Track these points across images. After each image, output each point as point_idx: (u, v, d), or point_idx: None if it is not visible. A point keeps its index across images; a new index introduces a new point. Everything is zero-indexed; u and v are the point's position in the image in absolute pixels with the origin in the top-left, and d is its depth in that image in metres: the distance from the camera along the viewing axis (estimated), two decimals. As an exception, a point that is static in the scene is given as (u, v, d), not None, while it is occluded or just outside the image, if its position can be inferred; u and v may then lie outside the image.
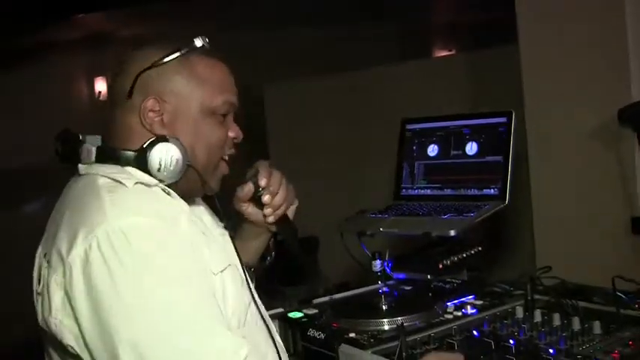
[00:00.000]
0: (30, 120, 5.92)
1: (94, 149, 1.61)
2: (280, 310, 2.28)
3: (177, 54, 1.63)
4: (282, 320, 2.21)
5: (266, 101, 5.99)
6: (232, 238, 1.78)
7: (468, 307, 2.19)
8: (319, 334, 2.07)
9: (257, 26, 6.19)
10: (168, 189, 1.60)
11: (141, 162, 1.59)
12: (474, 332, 1.97)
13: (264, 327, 1.73)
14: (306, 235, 4.80)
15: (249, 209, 1.90)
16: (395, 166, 2.84)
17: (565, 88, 3.19)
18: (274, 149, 5.71)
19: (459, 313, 2.16)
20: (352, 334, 2.02)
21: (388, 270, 2.55)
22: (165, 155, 1.59)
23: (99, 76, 6.87)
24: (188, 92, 1.65)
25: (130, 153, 1.60)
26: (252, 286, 1.73)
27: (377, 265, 2.55)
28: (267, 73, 6.10)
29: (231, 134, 1.75)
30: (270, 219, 1.88)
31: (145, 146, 1.59)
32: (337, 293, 2.51)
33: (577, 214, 3.17)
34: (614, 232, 3.03)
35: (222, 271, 1.58)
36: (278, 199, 1.87)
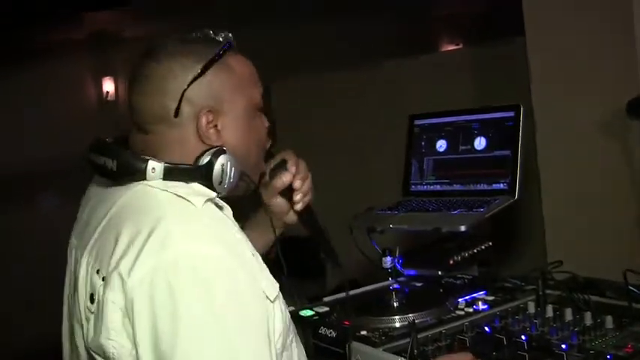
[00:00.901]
0: (37, 119, 5.94)
1: (160, 166, 1.52)
2: (291, 308, 2.27)
3: (215, 60, 1.60)
4: (293, 318, 2.21)
5: (273, 99, 5.99)
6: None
7: (479, 302, 2.18)
8: (330, 332, 2.07)
9: (263, 24, 6.18)
10: (222, 202, 1.56)
11: (206, 176, 1.55)
12: (486, 328, 1.97)
13: (300, 344, 1.72)
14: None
15: (278, 200, 1.93)
16: (403, 161, 2.83)
17: (573, 80, 3.19)
18: (282, 147, 5.70)
19: (471, 309, 2.15)
20: (363, 332, 2.02)
21: (399, 266, 2.55)
22: (227, 167, 1.57)
23: (106, 75, 6.87)
24: (234, 95, 1.64)
25: (197, 168, 1.55)
26: None
27: (387, 261, 2.54)
28: (273, 71, 6.10)
29: (265, 124, 1.77)
30: (299, 206, 1.91)
31: (208, 160, 1.55)
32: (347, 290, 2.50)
33: (587, 207, 3.16)
34: (625, 224, 3.02)
35: (276, 297, 1.53)
36: (307, 184, 1.92)
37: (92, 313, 1.48)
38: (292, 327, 1.66)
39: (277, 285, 1.55)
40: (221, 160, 1.56)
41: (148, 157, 1.53)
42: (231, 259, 1.43)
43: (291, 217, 1.97)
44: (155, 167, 1.52)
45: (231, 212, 1.60)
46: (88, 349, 1.52)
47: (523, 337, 1.83)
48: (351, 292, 2.46)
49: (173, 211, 1.45)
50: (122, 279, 1.38)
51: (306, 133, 5.57)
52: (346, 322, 2.09)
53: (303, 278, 3.05)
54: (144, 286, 1.36)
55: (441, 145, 2.74)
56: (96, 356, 1.48)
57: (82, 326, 1.54)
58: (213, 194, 1.54)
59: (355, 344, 1.94)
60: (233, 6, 5.91)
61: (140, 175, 1.52)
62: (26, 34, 5.78)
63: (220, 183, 1.56)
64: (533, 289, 2.20)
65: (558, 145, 3.28)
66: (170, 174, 1.53)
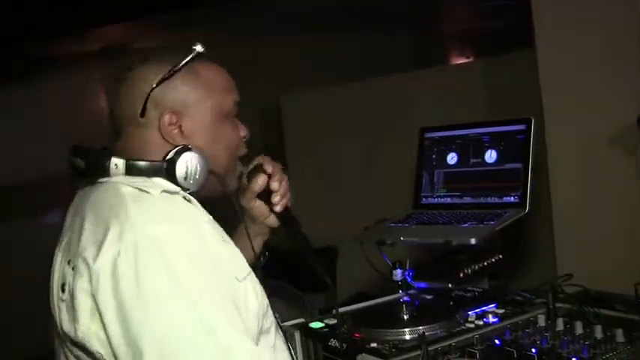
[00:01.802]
0: (44, 132, 5.95)
1: (122, 162, 1.62)
2: (301, 320, 2.28)
3: (181, 65, 1.68)
4: (304, 330, 2.21)
5: (283, 112, 6.01)
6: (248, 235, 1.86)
7: (490, 315, 2.18)
8: (340, 344, 2.07)
9: (272, 37, 6.20)
10: (190, 196, 1.63)
11: (168, 172, 1.62)
12: (496, 341, 1.97)
13: (281, 333, 1.76)
14: (324, 245, 4.80)
15: (257, 203, 1.97)
16: (414, 174, 2.84)
17: (584, 93, 3.18)
18: (292, 160, 5.72)
19: (481, 322, 2.15)
20: (374, 344, 2.01)
21: (409, 279, 2.55)
22: (191, 164, 1.64)
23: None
24: (200, 99, 1.72)
25: (158, 164, 1.63)
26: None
27: (398, 274, 2.54)
28: (283, 84, 6.13)
29: (241, 133, 1.84)
30: (278, 207, 1.95)
31: (170, 157, 1.63)
32: (357, 303, 2.50)
33: (598, 220, 3.15)
34: (636, 238, 3.01)
35: (245, 278, 1.59)
36: (284, 186, 1.96)
37: (63, 301, 1.54)
38: (272, 317, 1.71)
39: (248, 268, 1.62)
40: (184, 156, 1.64)
41: (112, 155, 1.63)
42: (189, 235, 1.51)
43: (272, 220, 2.01)
44: (117, 163, 1.62)
45: (200, 206, 1.65)
46: (64, 346, 1.58)
47: (533, 350, 1.83)
48: (362, 305, 2.47)
49: (132, 200, 1.53)
50: (88, 266, 1.45)
51: (316, 146, 5.59)
52: (356, 335, 2.09)
53: (314, 291, 3.06)
54: (107, 270, 1.42)
55: (452, 157, 2.74)
56: (71, 346, 1.54)
57: (55, 319, 1.60)
58: (175, 188, 1.61)
59: (365, 356, 1.94)
60: (244, 19, 5.93)
61: (105, 172, 1.62)
62: (37, 46, 5.81)
63: (186, 179, 1.64)
64: (544, 302, 2.20)
65: (569, 158, 3.28)
66: (132, 169, 1.62)
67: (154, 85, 1.65)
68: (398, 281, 2.55)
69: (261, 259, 2.06)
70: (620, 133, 3.02)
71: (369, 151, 5.25)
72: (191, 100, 1.70)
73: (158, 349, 1.38)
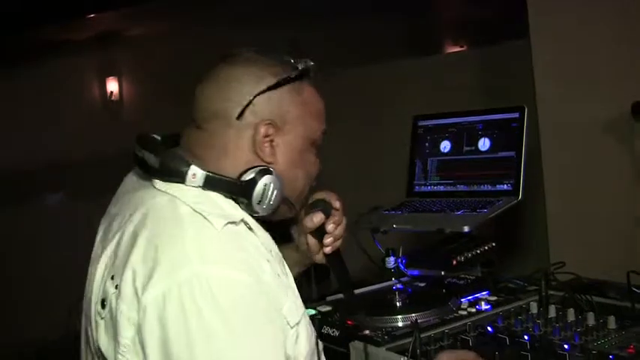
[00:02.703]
0: (41, 121, 5.93)
1: (202, 175, 1.50)
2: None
3: (293, 79, 1.61)
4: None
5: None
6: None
7: (482, 303, 2.19)
8: (333, 331, 2.07)
9: (266, 25, 6.17)
10: (252, 222, 1.53)
11: (244, 193, 1.53)
12: (488, 328, 1.97)
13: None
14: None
15: (309, 238, 1.87)
16: (407, 162, 2.84)
17: (578, 82, 3.18)
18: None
19: (473, 310, 2.16)
20: (366, 331, 2.02)
21: (402, 267, 2.55)
22: (269, 188, 1.54)
23: (110, 75, 6.85)
24: (298, 120, 1.63)
25: (236, 183, 1.53)
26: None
27: (391, 261, 2.54)
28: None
29: (318, 164, 1.77)
30: (328, 249, 1.86)
31: (251, 177, 1.53)
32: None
33: (591, 208, 3.16)
34: (628, 226, 3.02)
35: (298, 323, 1.50)
36: (340, 229, 1.87)
37: (102, 318, 1.46)
38: (318, 347, 1.64)
39: (302, 309, 1.55)
40: (265, 179, 1.54)
41: (192, 162, 1.51)
42: (249, 283, 1.39)
43: (319, 258, 1.91)
44: (196, 174, 1.50)
45: (266, 234, 1.57)
46: (95, 351, 1.50)
47: (526, 337, 1.83)
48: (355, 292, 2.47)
49: (191, 230, 1.41)
50: (137, 295, 1.36)
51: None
52: (349, 322, 2.10)
53: (308, 278, 3.06)
54: (156, 306, 1.33)
55: (445, 146, 2.74)
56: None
57: (91, 328, 1.52)
58: (238, 217, 1.49)
59: (358, 343, 1.94)
60: (239, 8, 5.90)
61: (180, 178, 1.50)
62: (30, 34, 5.78)
63: (259, 202, 1.54)
64: (536, 290, 2.20)
65: (562, 146, 3.28)
66: (209, 183, 1.51)
67: (261, 91, 1.56)
68: (391, 269, 2.55)
69: None
70: (614, 122, 3.03)
71: (363, 139, 5.24)
72: (290, 118, 1.61)
73: None
